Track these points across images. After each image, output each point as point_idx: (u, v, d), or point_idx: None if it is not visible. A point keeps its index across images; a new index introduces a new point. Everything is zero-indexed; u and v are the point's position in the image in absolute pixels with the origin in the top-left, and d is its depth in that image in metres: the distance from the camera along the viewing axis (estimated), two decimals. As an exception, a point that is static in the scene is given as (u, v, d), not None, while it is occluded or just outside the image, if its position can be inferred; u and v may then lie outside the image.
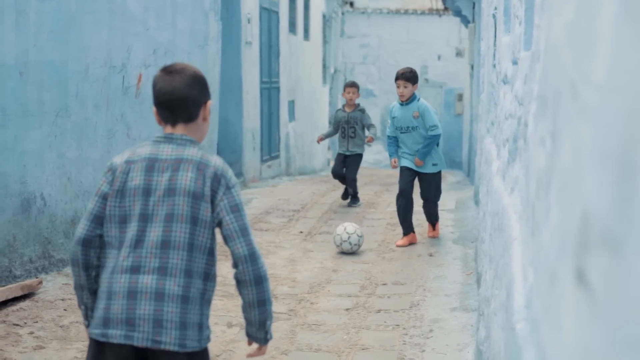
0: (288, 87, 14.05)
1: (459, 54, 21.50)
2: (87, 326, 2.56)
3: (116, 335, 2.37)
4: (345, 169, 9.08)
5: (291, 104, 14.40)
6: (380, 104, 22.07)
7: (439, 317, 5.01)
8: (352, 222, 7.15)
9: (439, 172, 7.19)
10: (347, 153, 9.08)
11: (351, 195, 9.26)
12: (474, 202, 9.36)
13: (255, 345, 2.64)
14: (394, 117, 7.08)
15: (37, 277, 5.38)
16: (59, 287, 5.37)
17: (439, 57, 21.95)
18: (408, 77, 6.97)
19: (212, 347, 4.45)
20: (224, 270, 6.19)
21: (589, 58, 1.24)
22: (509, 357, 2.22)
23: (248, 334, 2.60)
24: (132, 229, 2.42)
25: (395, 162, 7.18)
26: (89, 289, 2.52)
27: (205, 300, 2.47)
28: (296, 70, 14.82)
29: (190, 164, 2.45)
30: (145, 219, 2.42)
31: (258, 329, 2.55)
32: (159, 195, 2.42)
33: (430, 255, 6.68)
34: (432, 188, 7.16)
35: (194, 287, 2.42)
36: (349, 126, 8.98)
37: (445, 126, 16.04)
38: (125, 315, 2.37)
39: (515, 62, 3.80)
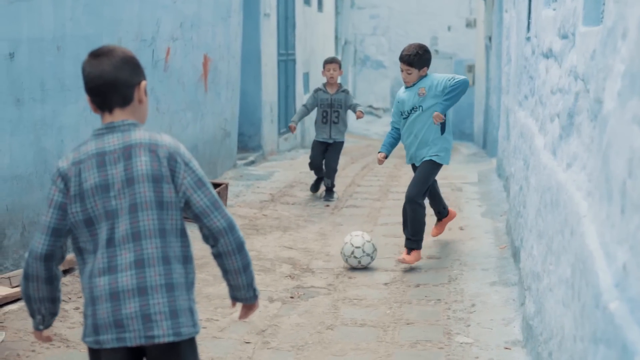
0: (303, 59, 13.98)
1: (469, 24, 21.37)
2: (41, 329, 2.50)
3: (108, 340, 2.30)
4: (326, 159, 7.82)
5: (306, 76, 14.34)
6: (391, 75, 21.97)
7: (480, 291, 5.02)
8: (358, 232, 5.70)
9: (438, 166, 5.67)
10: (330, 141, 7.80)
11: (326, 188, 7.92)
12: (496, 175, 9.35)
13: (239, 306, 2.63)
14: (398, 102, 5.75)
15: (75, 252, 5.38)
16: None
17: (449, 28, 21.82)
18: (411, 60, 5.53)
19: (257, 322, 4.47)
20: (258, 244, 6.20)
21: None
22: (599, 336, 2.21)
23: (235, 298, 2.55)
24: (103, 229, 2.32)
25: (382, 157, 5.76)
26: (49, 299, 2.44)
27: (189, 284, 2.40)
28: (310, 42, 14.75)
29: (140, 147, 2.33)
30: (111, 215, 2.31)
31: (247, 290, 2.51)
32: (118, 188, 2.31)
33: (461, 229, 6.67)
34: (419, 182, 5.59)
35: (176, 272, 2.34)
36: (332, 110, 7.75)
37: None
38: (112, 317, 2.29)
39: (565, 37, 3.76)
